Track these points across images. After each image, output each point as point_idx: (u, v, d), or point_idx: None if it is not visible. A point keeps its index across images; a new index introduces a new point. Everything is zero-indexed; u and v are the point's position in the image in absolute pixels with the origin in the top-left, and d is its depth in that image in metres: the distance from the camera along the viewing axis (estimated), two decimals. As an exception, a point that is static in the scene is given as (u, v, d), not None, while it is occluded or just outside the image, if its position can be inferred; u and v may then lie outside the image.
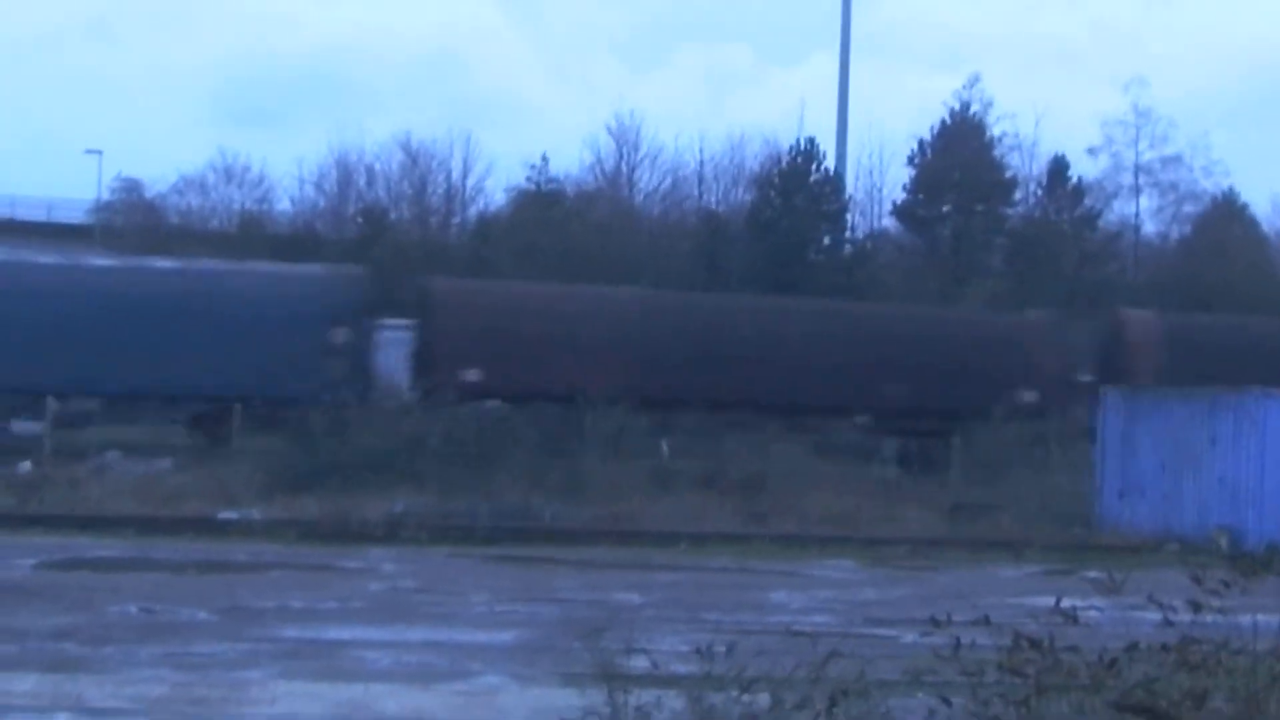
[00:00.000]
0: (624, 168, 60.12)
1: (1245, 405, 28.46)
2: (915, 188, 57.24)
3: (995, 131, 57.89)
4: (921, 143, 57.16)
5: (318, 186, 59.89)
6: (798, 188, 54.37)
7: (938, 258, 55.16)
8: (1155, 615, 7.22)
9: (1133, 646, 6.93)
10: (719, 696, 7.53)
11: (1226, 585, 7.10)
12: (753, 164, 59.00)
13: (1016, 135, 58.32)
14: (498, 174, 60.24)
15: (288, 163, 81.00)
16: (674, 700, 7.87)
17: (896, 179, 59.01)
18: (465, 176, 60.44)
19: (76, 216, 63.21)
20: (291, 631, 16.34)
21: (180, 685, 13.18)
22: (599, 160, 59.66)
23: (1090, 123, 61.15)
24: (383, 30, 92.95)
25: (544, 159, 56.18)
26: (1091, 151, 57.55)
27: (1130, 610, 7.86)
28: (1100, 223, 57.28)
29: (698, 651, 7.85)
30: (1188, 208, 59.12)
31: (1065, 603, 7.20)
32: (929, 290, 48.44)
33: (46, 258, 40.34)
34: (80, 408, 34.97)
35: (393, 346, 35.87)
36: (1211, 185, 58.54)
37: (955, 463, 33.75)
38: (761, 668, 7.51)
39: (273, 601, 18.53)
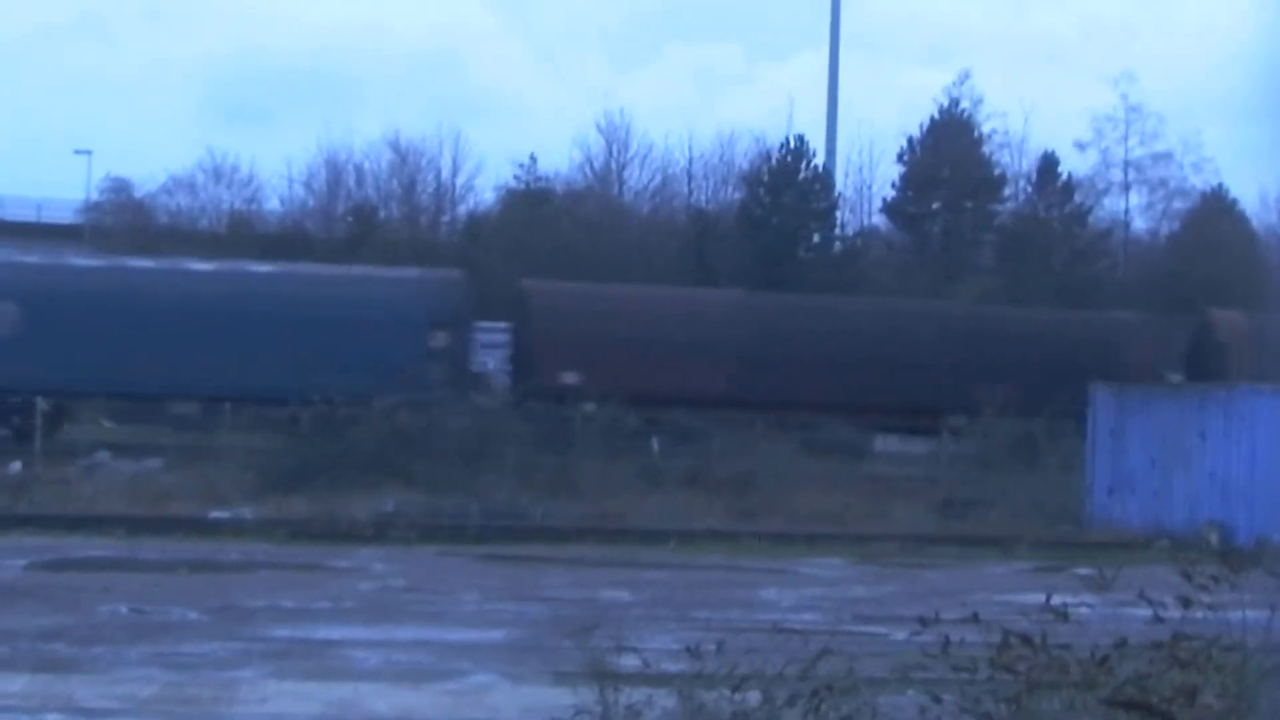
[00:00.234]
0: (613, 166, 60.19)
1: (1235, 401, 28.49)
2: (905, 185, 57.26)
3: (985, 128, 57.96)
4: (911, 140, 57.19)
5: (307, 186, 59.88)
6: (787, 185, 54.41)
7: (928, 255, 55.20)
8: (1145, 612, 7.22)
9: (1123, 643, 6.92)
10: (709, 694, 7.52)
11: (1216, 581, 7.10)
12: (742, 162, 59.14)
13: (1006, 132, 58.42)
14: (487, 172, 60.38)
15: (277, 162, 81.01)
16: (665, 698, 7.86)
17: (886, 176, 59.16)
18: (455, 175, 60.57)
19: (66, 216, 63.14)
20: (282, 631, 16.32)
21: (171, 685, 13.16)
22: (588, 158, 59.78)
23: (1080, 120, 61.04)
24: (371, 29, 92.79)
25: (532, 157, 56.33)
26: (1080, 146, 57.53)
27: (1120, 607, 7.86)
28: (1090, 219, 57.31)
29: (688, 649, 7.85)
30: (1177, 204, 59.17)
31: (1055, 600, 7.20)
32: (919, 287, 48.44)
33: (144, 261, 40.32)
34: (181, 410, 35.21)
35: (491, 349, 36.34)
36: (1201, 181, 58.63)
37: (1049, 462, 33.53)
38: (751, 665, 7.51)
39: (263, 601, 18.51)
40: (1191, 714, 6.45)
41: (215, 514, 26.90)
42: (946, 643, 7.07)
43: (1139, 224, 59.86)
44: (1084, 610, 7.73)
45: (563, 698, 8.62)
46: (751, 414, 33.84)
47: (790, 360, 36.03)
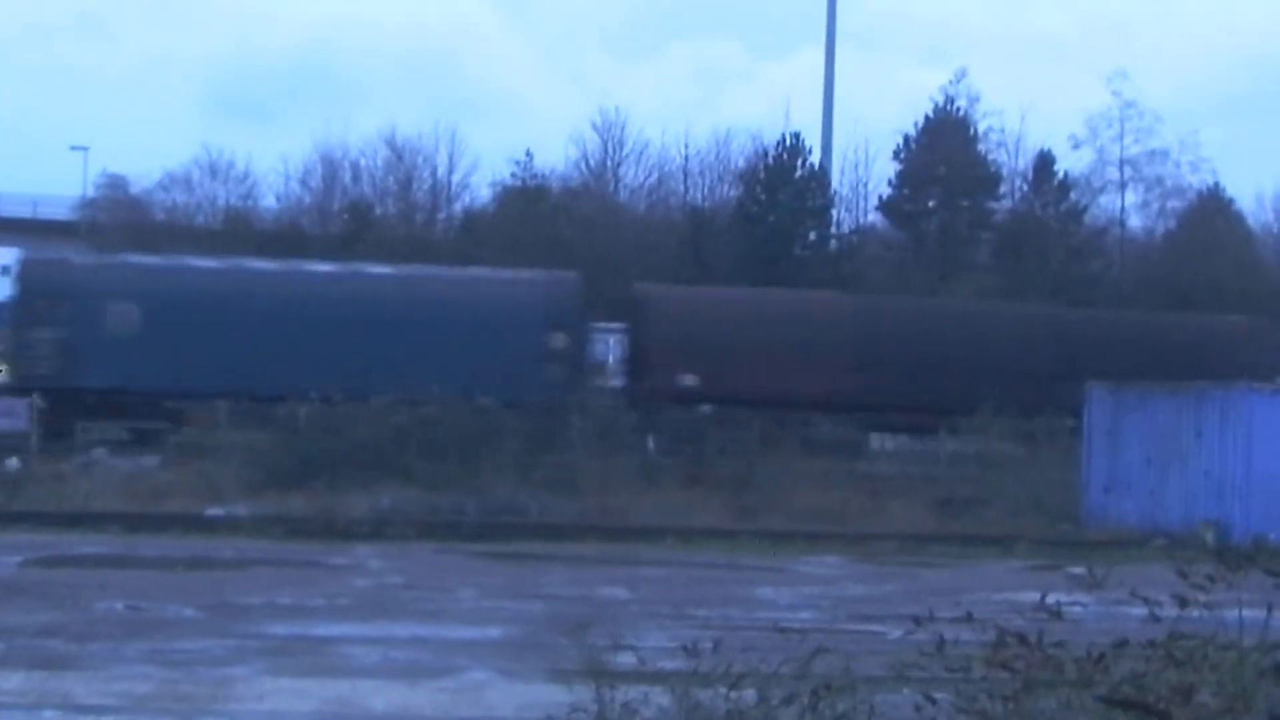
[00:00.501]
0: (609, 163, 60.23)
1: (1231, 399, 28.50)
2: (901, 182, 57.28)
3: (981, 126, 58.01)
4: (907, 137, 57.20)
5: (303, 182, 59.92)
6: (783, 183, 54.44)
7: (923, 253, 55.21)
8: (1141, 610, 7.22)
9: (1122, 643, 6.93)
10: (706, 693, 7.53)
11: (1212, 580, 7.10)
12: (738, 159, 59.15)
13: (1002, 130, 58.43)
14: (483, 169, 60.47)
15: (273, 159, 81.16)
16: (660, 696, 7.86)
17: (882, 174, 59.18)
18: (450, 172, 60.59)
19: (62, 213, 63.16)
20: (279, 628, 16.31)
21: (167, 682, 13.15)
22: (584, 155, 59.79)
23: (1076, 118, 61.05)
24: (368, 25, 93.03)
25: (528, 154, 56.37)
26: (1075, 143, 57.48)
27: (1116, 605, 7.87)
28: (1086, 218, 57.32)
29: (684, 648, 7.86)
30: (1173, 203, 59.19)
31: (1051, 598, 7.20)
32: (915, 285, 48.46)
33: (264, 263, 40.22)
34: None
35: (606, 350, 36.61)
36: (1197, 180, 58.66)
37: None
38: (748, 664, 7.51)
39: (260, 598, 18.51)
40: (1187, 712, 6.45)
41: (211, 511, 26.89)
42: (942, 642, 7.07)
43: (1135, 222, 59.98)
44: (1079, 609, 7.74)
45: (559, 695, 8.62)
46: (863, 415, 34.71)
47: (901, 362, 36.30)
